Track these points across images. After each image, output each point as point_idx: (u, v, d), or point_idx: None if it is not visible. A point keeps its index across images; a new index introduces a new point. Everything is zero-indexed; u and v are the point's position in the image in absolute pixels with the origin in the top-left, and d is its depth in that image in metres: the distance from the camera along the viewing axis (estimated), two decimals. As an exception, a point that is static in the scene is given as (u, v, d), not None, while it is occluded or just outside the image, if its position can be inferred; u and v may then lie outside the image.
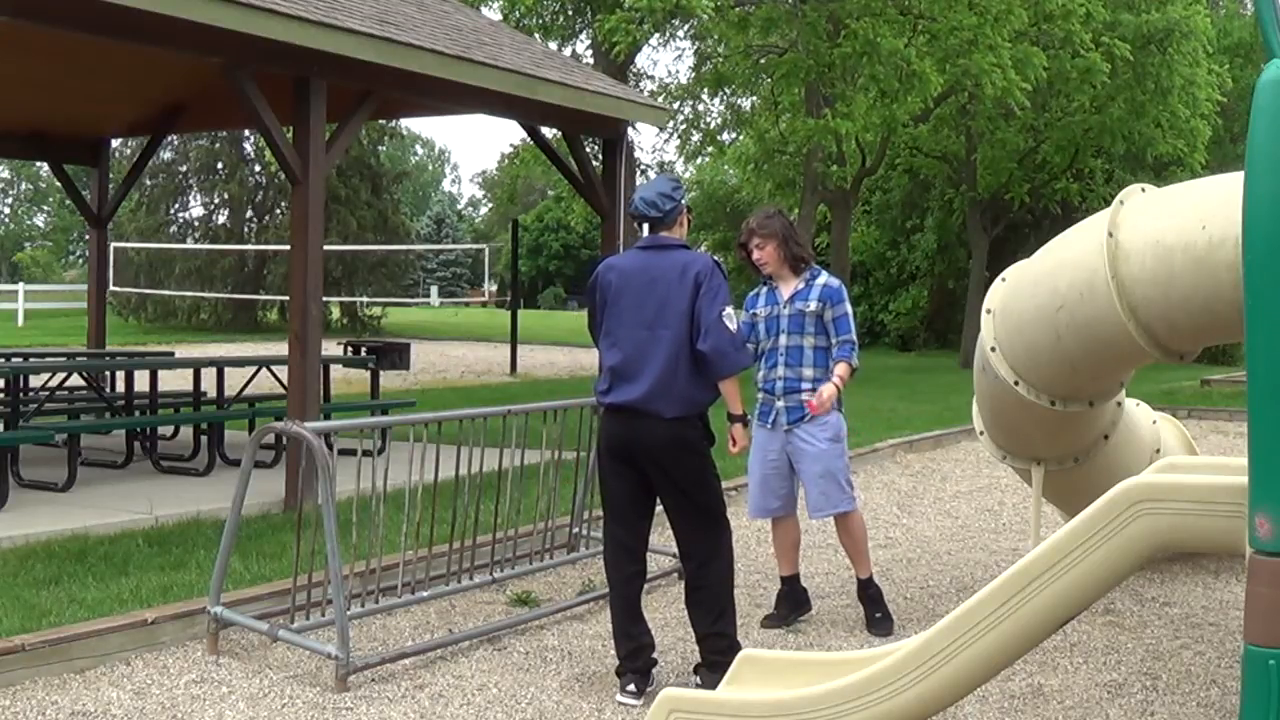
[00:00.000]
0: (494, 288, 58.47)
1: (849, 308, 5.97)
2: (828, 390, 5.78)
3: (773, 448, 5.93)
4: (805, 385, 5.84)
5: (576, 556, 6.91)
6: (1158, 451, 6.77)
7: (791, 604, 6.04)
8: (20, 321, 32.56)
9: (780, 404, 5.88)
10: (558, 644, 5.59)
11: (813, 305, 5.87)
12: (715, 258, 5.01)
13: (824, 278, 5.97)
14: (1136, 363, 5.80)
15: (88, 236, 14.10)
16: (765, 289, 6.04)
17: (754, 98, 24.35)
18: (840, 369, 5.87)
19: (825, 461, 5.81)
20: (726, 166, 30.21)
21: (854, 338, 5.93)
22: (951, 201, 27.61)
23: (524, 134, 15.25)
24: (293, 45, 7.59)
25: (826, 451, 5.82)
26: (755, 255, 5.94)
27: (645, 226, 5.04)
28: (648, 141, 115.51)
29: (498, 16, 16.91)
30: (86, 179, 13.86)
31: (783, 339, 5.89)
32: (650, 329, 4.85)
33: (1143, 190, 5.49)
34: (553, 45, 17.88)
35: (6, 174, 71.05)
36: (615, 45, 15.68)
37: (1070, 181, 24.89)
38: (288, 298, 8.97)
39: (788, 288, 5.95)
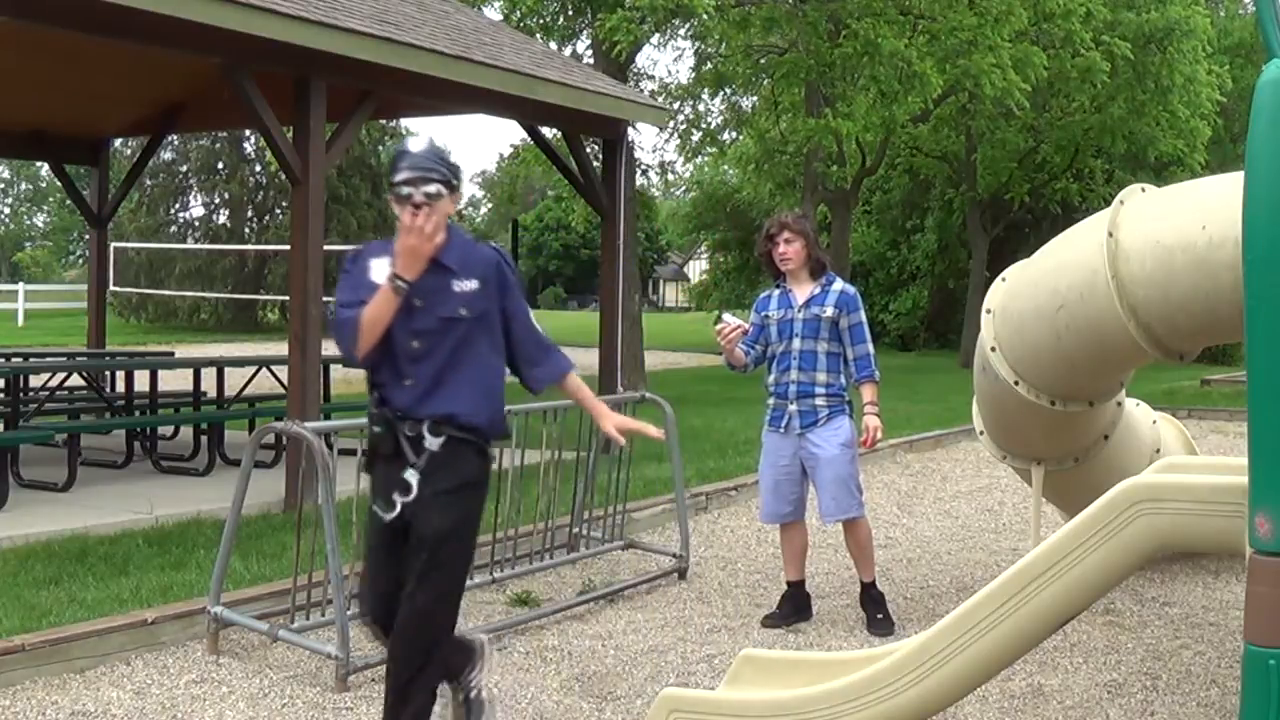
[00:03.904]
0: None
1: (864, 315, 5.98)
2: (873, 423, 5.84)
3: (785, 453, 5.92)
4: (819, 390, 5.84)
5: (576, 556, 6.91)
6: (1158, 451, 6.77)
7: (794, 606, 6.03)
8: (20, 321, 32.56)
9: (793, 408, 5.87)
10: (558, 644, 5.59)
11: (829, 311, 5.86)
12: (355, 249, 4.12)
13: (839, 284, 5.97)
14: (1136, 363, 5.80)
15: (88, 236, 14.09)
16: (778, 292, 6.02)
17: (754, 98, 24.35)
18: (869, 393, 5.90)
19: (837, 467, 5.81)
20: (726, 166, 30.20)
21: (871, 348, 5.93)
22: (951, 201, 27.62)
23: (524, 134, 15.25)
24: (293, 45, 7.59)
25: (839, 457, 5.81)
26: (781, 249, 5.91)
27: None
28: (648, 141, 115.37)
29: (498, 16, 16.90)
30: (86, 179, 13.87)
31: (796, 343, 5.87)
32: None
33: (1143, 190, 5.49)
34: (553, 45, 17.86)
35: (6, 174, 71.09)
36: (616, 44, 15.68)
37: (1070, 181, 24.90)
38: (288, 298, 8.97)
39: (802, 291, 5.94)
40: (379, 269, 3.78)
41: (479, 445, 3.82)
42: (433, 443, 3.74)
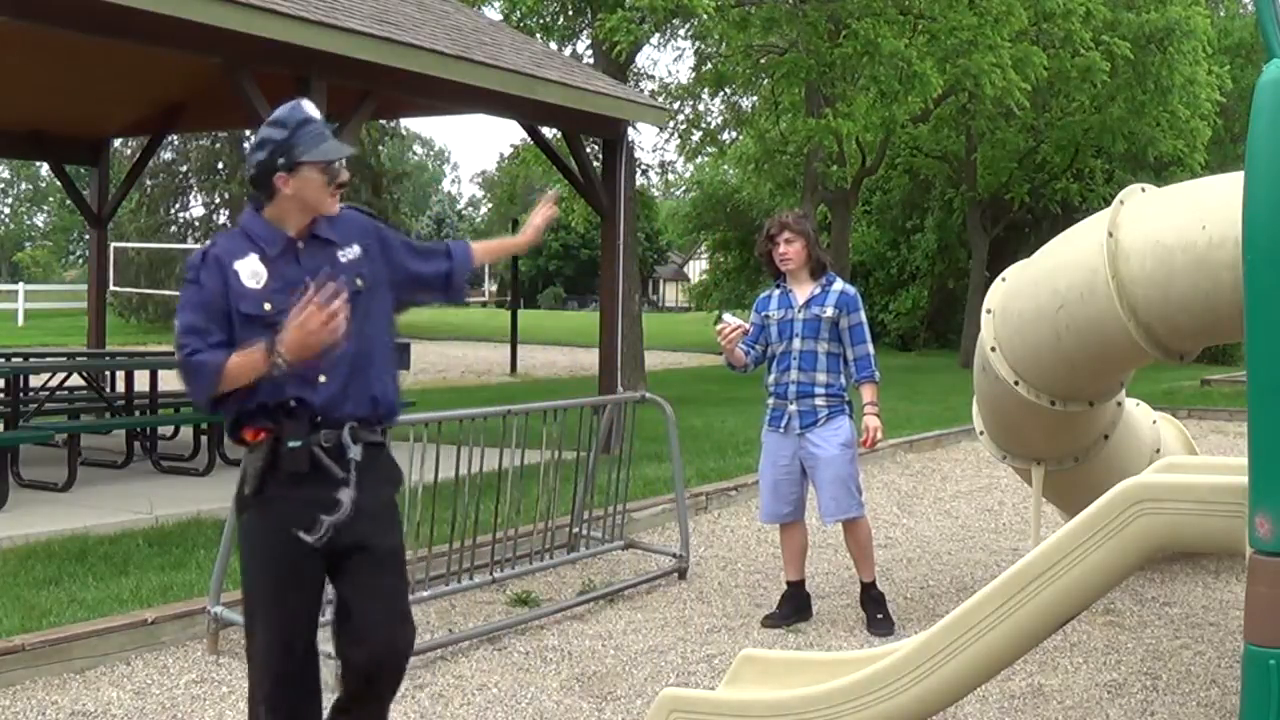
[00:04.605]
0: (494, 287, 58.46)
1: (864, 316, 5.98)
2: (873, 424, 5.84)
3: (784, 453, 5.93)
4: (819, 390, 5.84)
5: (576, 556, 6.91)
6: (1158, 451, 6.77)
7: (794, 606, 6.04)
8: (20, 321, 32.57)
9: (793, 408, 5.87)
10: (558, 644, 5.59)
11: (829, 311, 5.87)
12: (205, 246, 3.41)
13: (839, 284, 5.97)
14: (1137, 363, 5.80)
15: (88, 236, 14.10)
16: (778, 291, 6.02)
17: (754, 98, 24.35)
18: (869, 393, 5.90)
19: (837, 467, 5.81)
20: (726, 166, 30.19)
21: (871, 349, 5.94)
22: (951, 201, 27.64)
23: (524, 134, 15.26)
24: (293, 45, 7.59)
25: (838, 457, 5.82)
26: (781, 249, 5.92)
27: None
28: (648, 141, 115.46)
29: (498, 16, 16.90)
30: (86, 179, 13.87)
31: (796, 343, 5.88)
32: None
33: (1143, 190, 5.49)
34: (553, 45, 17.86)
35: (6, 174, 71.09)
36: (616, 44, 15.68)
37: (1070, 181, 24.91)
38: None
39: (802, 291, 5.94)
40: (248, 271, 3.26)
41: (386, 445, 3.44)
42: (355, 451, 3.29)
